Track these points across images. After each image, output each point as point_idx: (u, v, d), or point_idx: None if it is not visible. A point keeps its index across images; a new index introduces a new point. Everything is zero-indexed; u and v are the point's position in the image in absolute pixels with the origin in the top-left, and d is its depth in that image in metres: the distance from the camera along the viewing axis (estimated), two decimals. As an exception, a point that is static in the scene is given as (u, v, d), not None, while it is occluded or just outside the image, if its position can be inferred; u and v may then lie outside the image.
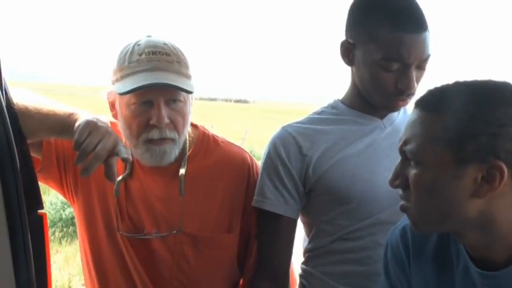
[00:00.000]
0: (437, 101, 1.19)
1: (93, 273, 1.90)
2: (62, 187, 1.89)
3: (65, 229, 7.52)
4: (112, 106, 1.82)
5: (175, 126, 1.74)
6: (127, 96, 1.71)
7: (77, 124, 1.53)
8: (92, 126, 1.49)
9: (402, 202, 1.26)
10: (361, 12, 1.73)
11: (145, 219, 1.83)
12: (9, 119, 1.51)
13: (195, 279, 1.87)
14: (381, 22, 1.65)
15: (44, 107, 1.63)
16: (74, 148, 1.48)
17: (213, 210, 1.87)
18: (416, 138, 1.19)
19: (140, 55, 1.72)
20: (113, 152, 1.51)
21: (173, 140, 1.75)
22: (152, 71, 1.69)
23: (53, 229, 7.43)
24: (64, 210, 7.72)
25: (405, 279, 1.39)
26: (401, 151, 1.24)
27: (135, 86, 1.66)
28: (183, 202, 1.82)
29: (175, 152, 1.78)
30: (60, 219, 7.62)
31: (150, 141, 1.73)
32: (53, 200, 7.90)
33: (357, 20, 1.73)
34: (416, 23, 1.63)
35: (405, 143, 1.22)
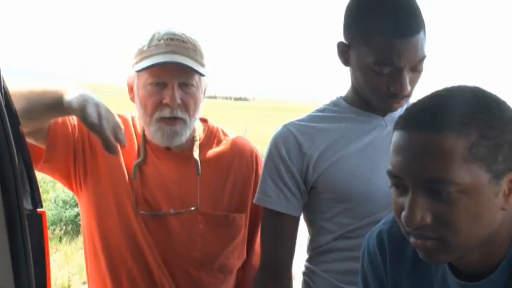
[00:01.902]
0: (442, 118, 1.06)
1: (102, 262, 1.91)
2: (68, 176, 1.91)
3: (64, 228, 7.52)
4: (130, 89, 1.93)
5: (186, 108, 1.84)
6: (144, 77, 1.84)
7: (77, 103, 1.62)
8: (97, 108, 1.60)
9: (428, 241, 1.10)
10: (355, 14, 1.72)
11: (162, 201, 1.89)
12: (8, 117, 1.51)
13: (210, 256, 1.93)
14: (372, 26, 1.64)
15: (35, 88, 1.70)
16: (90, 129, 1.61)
17: (225, 191, 1.95)
18: (440, 166, 1.05)
19: (159, 40, 1.84)
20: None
21: (184, 121, 1.84)
22: (169, 53, 1.81)
23: (53, 228, 7.42)
24: (65, 210, 7.72)
25: (382, 287, 1.36)
26: (419, 186, 1.08)
27: (152, 63, 1.79)
28: (199, 180, 1.90)
29: (185, 134, 1.87)
30: (61, 218, 7.61)
31: (162, 120, 1.83)
32: (53, 198, 7.90)
33: (351, 21, 1.73)
34: (408, 26, 1.61)
35: (423, 175, 1.07)
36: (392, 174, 1.12)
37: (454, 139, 1.04)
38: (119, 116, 1.90)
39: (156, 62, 1.79)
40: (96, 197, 1.90)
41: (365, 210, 1.74)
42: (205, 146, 1.97)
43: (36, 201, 1.53)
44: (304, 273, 1.91)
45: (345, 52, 1.75)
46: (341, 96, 1.88)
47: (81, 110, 1.60)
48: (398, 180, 1.11)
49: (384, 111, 1.79)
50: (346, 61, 1.77)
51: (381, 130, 1.80)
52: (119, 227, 1.88)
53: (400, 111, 1.82)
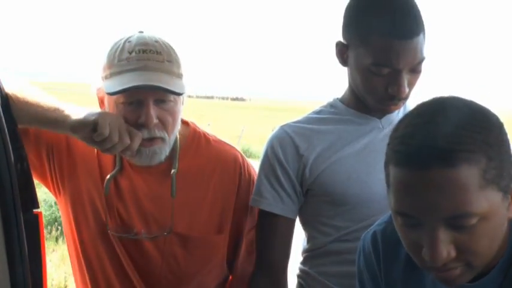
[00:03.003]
0: (451, 150, 1.00)
1: (83, 268, 1.87)
2: (45, 177, 1.85)
3: (61, 228, 7.50)
4: (101, 102, 1.80)
5: (164, 125, 1.71)
6: (115, 95, 1.68)
7: (92, 118, 1.58)
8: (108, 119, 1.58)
9: (453, 271, 1.07)
10: (354, 15, 1.71)
11: (135, 218, 1.81)
12: (6, 119, 1.51)
13: (184, 278, 1.86)
14: (372, 27, 1.63)
15: (30, 96, 1.63)
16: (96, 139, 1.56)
17: (203, 211, 1.85)
18: (459, 201, 1.01)
19: (130, 53, 1.68)
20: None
21: (163, 139, 1.72)
22: (142, 70, 1.67)
23: (50, 228, 7.40)
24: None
25: (376, 286, 1.36)
26: (437, 222, 1.03)
27: (124, 87, 1.64)
28: (174, 203, 1.80)
29: (165, 152, 1.76)
30: (56, 218, 7.59)
31: None
32: (48, 199, 7.88)
33: (350, 21, 1.72)
34: (408, 28, 1.60)
35: (442, 213, 1.02)
36: (402, 214, 1.07)
37: (467, 170, 1.00)
38: None
39: (129, 85, 1.63)
40: (76, 204, 1.83)
41: (361, 213, 1.73)
42: (184, 157, 1.84)
43: (33, 201, 1.53)
44: (299, 276, 1.90)
45: (343, 52, 1.75)
46: (338, 98, 1.87)
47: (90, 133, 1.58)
48: (410, 219, 1.07)
49: (382, 112, 1.79)
50: (344, 61, 1.76)
51: (377, 132, 1.79)
52: (96, 239, 1.81)
53: (397, 113, 1.82)
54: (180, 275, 1.85)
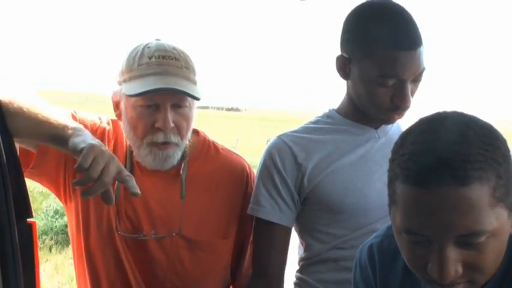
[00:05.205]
0: (462, 169, 0.99)
1: (87, 273, 1.87)
2: (57, 184, 1.85)
3: (54, 237, 7.48)
4: (116, 106, 1.82)
5: (179, 130, 1.75)
6: (134, 98, 1.71)
7: (80, 146, 1.47)
8: (96, 152, 1.43)
9: (457, 287, 1.07)
10: (356, 28, 1.71)
11: (144, 220, 1.82)
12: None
13: (188, 282, 1.87)
14: (377, 40, 1.64)
15: (41, 112, 1.58)
16: (76, 170, 1.43)
17: (211, 216, 1.87)
18: (470, 220, 1.00)
19: (150, 58, 1.73)
20: (116, 178, 1.48)
21: (176, 145, 1.76)
22: (161, 75, 1.70)
23: (44, 238, 7.38)
24: (56, 220, 7.67)
25: None
26: (447, 240, 1.02)
27: (145, 89, 1.67)
28: (184, 205, 1.82)
29: (177, 156, 1.79)
30: (51, 228, 7.57)
31: (153, 145, 1.74)
32: (44, 208, 7.86)
33: (352, 35, 1.72)
34: (411, 40, 1.63)
35: (453, 232, 1.01)
36: (413, 233, 1.06)
37: (479, 189, 0.99)
38: (97, 129, 1.84)
39: (150, 88, 1.67)
40: (82, 211, 1.84)
41: (358, 221, 1.74)
42: (193, 163, 1.87)
43: (27, 210, 1.51)
44: (296, 284, 1.90)
45: (344, 66, 1.75)
46: (334, 109, 1.88)
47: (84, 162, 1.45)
48: (418, 237, 1.05)
49: (381, 122, 1.80)
50: (345, 75, 1.76)
51: (374, 142, 1.80)
52: (102, 243, 1.83)
53: (391, 127, 1.84)
54: (184, 279, 1.86)
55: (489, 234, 1.02)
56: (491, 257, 1.06)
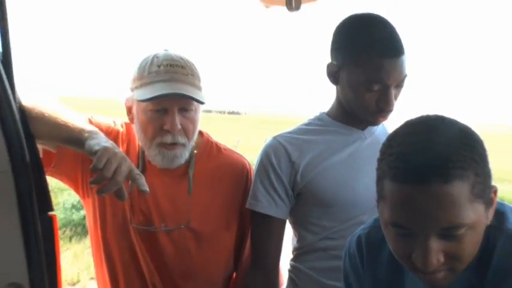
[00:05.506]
0: (445, 168, 1.00)
1: (104, 263, 1.89)
2: (76, 182, 1.86)
3: (73, 229, 7.49)
4: (129, 111, 1.83)
5: (186, 132, 1.76)
6: (144, 103, 1.72)
7: (95, 148, 1.48)
8: (109, 154, 1.44)
9: (438, 274, 1.08)
10: (346, 38, 1.71)
11: (155, 214, 1.83)
12: (23, 129, 1.50)
13: (195, 269, 1.88)
14: (364, 49, 1.64)
15: (60, 116, 1.60)
16: (92, 170, 1.43)
17: (214, 209, 1.88)
18: (452, 214, 1.02)
19: (159, 66, 1.74)
20: (128, 177, 1.48)
21: (183, 145, 1.77)
22: (169, 81, 1.72)
23: (64, 229, 7.39)
24: (74, 213, 7.69)
25: (361, 284, 1.37)
26: (430, 233, 1.04)
27: (154, 95, 1.69)
28: (191, 200, 1.83)
29: (185, 156, 1.80)
30: (71, 220, 7.59)
31: (162, 145, 1.75)
32: (62, 203, 7.87)
33: (341, 45, 1.72)
34: (395, 49, 1.63)
35: (437, 225, 1.03)
36: (399, 226, 1.07)
37: (459, 186, 1.00)
38: (112, 132, 1.85)
39: (159, 93, 1.68)
40: (99, 205, 1.85)
41: (347, 213, 1.74)
42: (200, 160, 1.88)
43: (48, 205, 1.52)
44: (290, 271, 1.90)
45: (334, 72, 1.75)
46: (324, 112, 1.88)
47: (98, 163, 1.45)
48: (404, 230, 1.07)
49: (368, 124, 1.80)
50: (335, 80, 1.77)
51: (361, 142, 1.81)
52: (117, 234, 1.84)
53: (377, 128, 1.84)
54: (191, 267, 1.87)
55: (468, 226, 1.03)
56: (470, 247, 1.07)
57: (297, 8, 1.62)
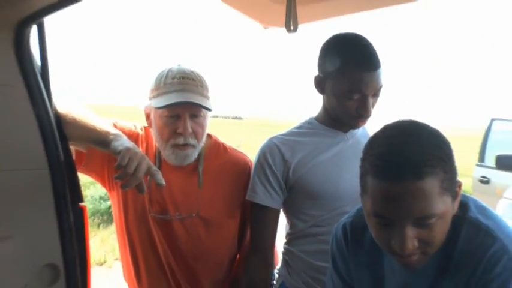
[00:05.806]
0: (419, 167, 1.02)
1: (127, 246, 1.89)
2: (103, 178, 1.87)
3: (101, 217, 7.50)
4: (147, 116, 1.85)
5: (196, 135, 1.77)
6: (161, 110, 1.74)
7: (119, 148, 1.49)
8: (131, 153, 1.46)
9: (413, 257, 1.10)
10: (330, 53, 1.71)
11: (170, 205, 1.84)
12: (58, 131, 1.51)
13: (205, 251, 1.88)
14: (346, 63, 1.65)
15: (89, 121, 1.61)
16: (116, 168, 1.44)
17: (220, 200, 1.88)
18: (425, 205, 1.03)
19: (173, 79, 1.76)
20: (147, 173, 1.49)
21: (193, 146, 1.78)
22: (182, 91, 1.73)
23: (92, 217, 7.40)
24: (101, 204, 7.70)
25: (347, 268, 1.37)
26: (406, 221, 1.05)
27: (169, 103, 1.71)
28: (200, 192, 1.84)
29: (195, 155, 1.81)
30: (98, 210, 7.60)
31: (176, 146, 1.76)
32: (90, 195, 7.87)
33: (327, 59, 1.72)
34: (372, 64, 1.63)
35: (412, 215, 1.04)
36: (380, 216, 1.09)
37: (431, 181, 1.02)
38: (133, 134, 1.86)
39: (173, 102, 1.70)
40: (122, 197, 1.86)
41: (333, 204, 1.74)
42: (208, 158, 1.89)
43: (79, 197, 1.53)
44: (284, 253, 1.90)
45: (321, 83, 1.75)
46: (313, 117, 1.88)
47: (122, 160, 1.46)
48: (384, 219, 1.08)
49: (350, 127, 1.80)
50: (321, 90, 1.77)
51: (344, 143, 1.81)
52: (138, 222, 1.85)
53: (358, 131, 1.84)
54: (201, 250, 1.87)
55: (438, 216, 1.05)
56: (440, 234, 1.09)
57: (295, 29, 1.62)
